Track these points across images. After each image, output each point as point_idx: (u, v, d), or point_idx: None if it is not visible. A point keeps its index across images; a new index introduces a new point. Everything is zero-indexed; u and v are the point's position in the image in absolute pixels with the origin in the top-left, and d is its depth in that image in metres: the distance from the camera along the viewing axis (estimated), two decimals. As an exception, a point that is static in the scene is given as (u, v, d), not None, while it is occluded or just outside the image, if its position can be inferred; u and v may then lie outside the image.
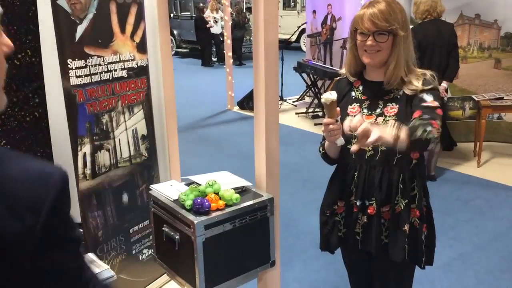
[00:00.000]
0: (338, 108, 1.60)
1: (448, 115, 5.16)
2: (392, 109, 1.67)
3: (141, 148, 2.44)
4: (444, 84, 4.34)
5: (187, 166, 5.12)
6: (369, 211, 1.70)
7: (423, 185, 1.74)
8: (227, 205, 1.88)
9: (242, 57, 12.22)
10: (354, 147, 1.52)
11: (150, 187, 2.08)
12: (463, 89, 5.41)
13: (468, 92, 5.38)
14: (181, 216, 1.84)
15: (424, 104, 1.63)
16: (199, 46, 12.86)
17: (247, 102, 7.22)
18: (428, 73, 1.71)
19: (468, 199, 4.03)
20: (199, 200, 1.81)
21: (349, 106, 1.75)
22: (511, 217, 3.69)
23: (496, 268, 2.96)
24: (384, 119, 1.67)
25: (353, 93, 1.77)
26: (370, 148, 1.68)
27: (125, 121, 2.33)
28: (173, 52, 13.41)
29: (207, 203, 1.81)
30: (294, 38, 10.01)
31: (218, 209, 1.84)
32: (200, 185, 1.95)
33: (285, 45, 8.24)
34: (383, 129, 1.49)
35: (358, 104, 1.74)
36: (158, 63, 2.60)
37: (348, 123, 1.53)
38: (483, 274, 2.90)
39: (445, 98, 4.43)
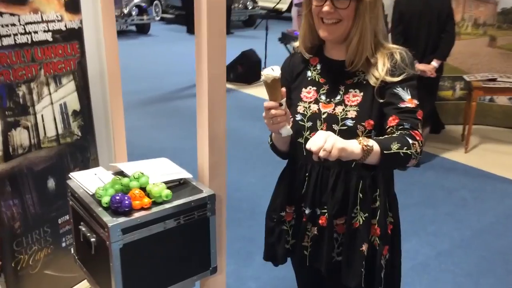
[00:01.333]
0: (283, 89, 1.26)
1: (438, 96, 4.83)
2: (355, 97, 1.33)
3: (72, 126, 2.08)
4: (434, 63, 3.97)
5: (152, 141, 4.83)
6: (320, 221, 1.37)
7: (390, 195, 1.41)
8: (155, 203, 1.55)
9: (230, 25, 11.75)
10: (314, 157, 1.19)
11: (69, 175, 1.74)
12: (455, 67, 5.07)
13: (460, 71, 5.04)
14: (96, 215, 1.50)
15: (401, 104, 1.29)
16: (185, 12, 12.34)
17: (228, 73, 6.83)
18: (399, 52, 1.35)
19: (452, 189, 3.74)
20: (117, 197, 1.47)
21: (304, 89, 1.40)
22: (496, 210, 3.41)
23: (475, 270, 2.68)
24: (344, 110, 1.34)
25: (309, 73, 1.42)
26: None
27: (50, 94, 1.96)
28: (158, 18, 12.89)
29: (127, 201, 1.47)
30: (284, 7, 9.54)
31: (142, 208, 1.51)
32: (127, 176, 1.60)
33: (276, 15, 7.80)
34: (346, 140, 1.17)
35: (314, 88, 1.39)
36: (99, 26, 2.21)
37: (308, 145, 1.17)
38: (461, 276, 2.62)
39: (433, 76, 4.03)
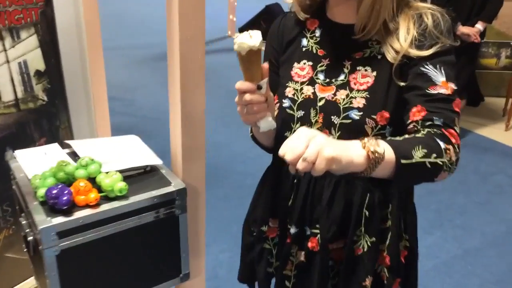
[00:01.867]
0: (264, 65, 0.88)
1: (479, 63, 4.31)
2: (365, 78, 0.95)
3: (35, 89, 1.76)
4: (479, 26, 3.48)
5: (159, 103, 4.48)
6: (309, 244, 1.02)
7: (407, 210, 1.04)
8: (108, 198, 1.23)
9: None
10: (291, 169, 0.78)
11: (14, 153, 1.42)
12: (501, 32, 4.51)
13: (506, 37, 4.48)
14: (30, 211, 1.20)
15: (430, 90, 0.90)
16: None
17: (250, 29, 6.35)
18: (431, 13, 0.95)
19: (487, 173, 3.31)
20: (54, 191, 1.15)
21: (296, 65, 1.02)
22: (537, 202, 2.99)
23: (509, 277, 2.30)
24: (348, 95, 0.95)
25: (304, 41, 1.03)
26: None
27: (5, 50, 1.63)
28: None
29: (65, 197, 1.14)
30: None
31: (88, 205, 1.19)
32: (78, 159, 1.27)
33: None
34: (342, 144, 0.80)
35: (310, 63, 1.01)
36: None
37: (281, 151, 0.79)
38: (491, 283, 2.25)
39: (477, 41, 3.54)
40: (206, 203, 1.51)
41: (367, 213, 0.97)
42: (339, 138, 0.94)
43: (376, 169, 0.76)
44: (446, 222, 2.62)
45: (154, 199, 1.26)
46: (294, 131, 0.98)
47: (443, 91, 0.89)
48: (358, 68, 0.95)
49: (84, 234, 1.17)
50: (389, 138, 0.86)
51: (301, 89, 0.98)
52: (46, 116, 1.83)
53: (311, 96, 0.99)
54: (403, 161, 0.79)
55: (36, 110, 1.79)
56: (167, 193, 1.28)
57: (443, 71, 0.90)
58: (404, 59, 0.91)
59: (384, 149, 0.79)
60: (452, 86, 0.90)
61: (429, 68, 0.89)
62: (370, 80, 0.94)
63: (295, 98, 0.99)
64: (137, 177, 1.34)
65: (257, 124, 0.93)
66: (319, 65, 0.98)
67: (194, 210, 1.42)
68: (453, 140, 0.86)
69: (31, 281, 1.27)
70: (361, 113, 0.93)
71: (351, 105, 0.94)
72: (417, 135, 0.85)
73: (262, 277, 1.15)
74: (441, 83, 0.89)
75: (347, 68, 0.96)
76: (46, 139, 1.83)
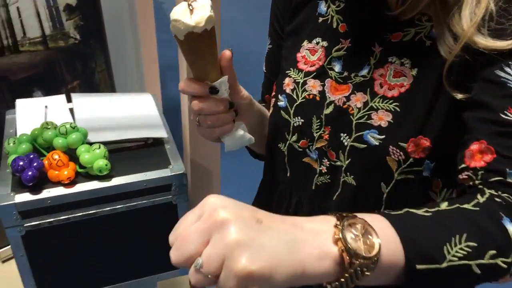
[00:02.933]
0: (226, 52, 0.56)
1: None
2: (398, 77, 0.58)
3: (65, 26, 1.57)
4: None
5: (246, 41, 4.13)
6: None
7: None
8: (90, 176, 1.02)
9: None
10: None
11: (16, 102, 1.26)
12: None
13: None
14: None
15: (509, 114, 0.50)
16: None
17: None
18: None
19: None
20: (21, 163, 0.96)
21: (305, 43, 0.67)
22: None
23: None
24: (366, 105, 0.60)
25: (322, 7, 0.66)
26: (323, 166, 0.65)
27: (29, -20, 1.44)
28: None
29: (30, 172, 0.95)
30: None
31: (60, 182, 0.99)
32: (68, 123, 1.06)
33: None
34: (288, 233, 0.41)
35: (325, 43, 0.64)
36: None
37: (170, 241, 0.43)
38: None
39: None
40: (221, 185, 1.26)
41: None
42: (349, 169, 0.61)
43: (363, 279, 0.41)
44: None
45: (144, 184, 1.03)
46: (290, 144, 0.66)
47: None
48: (390, 59, 0.58)
49: (52, 216, 0.99)
50: (405, 210, 0.46)
51: (304, 83, 0.65)
52: (79, 57, 1.65)
53: (317, 98, 0.64)
54: (419, 267, 0.42)
55: (67, 49, 1.61)
56: (162, 178, 1.04)
57: None
58: (467, 51, 0.52)
59: (380, 242, 0.41)
60: None
61: (510, 73, 0.50)
62: (405, 83, 0.57)
63: (294, 95, 0.66)
64: (134, 151, 1.11)
65: (220, 139, 0.63)
66: (336, 48, 0.62)
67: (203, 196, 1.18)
68: None
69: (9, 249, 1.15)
70: (383, 136, 0.58)
71: (368, 121, 0.59)
72: (466, 204, 0.47)
73: None
74: None
75: (375, 58, 0.60)
76: (79, 82, 1.66)
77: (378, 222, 0.43)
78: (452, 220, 0.45)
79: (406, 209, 0.46)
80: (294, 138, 0.66)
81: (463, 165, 0.53)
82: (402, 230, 0.43)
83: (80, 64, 1.65)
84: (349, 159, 0.61)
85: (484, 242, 0.44)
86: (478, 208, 0.46)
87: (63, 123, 1.02)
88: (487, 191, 0.49)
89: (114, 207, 1.03)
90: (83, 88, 1.67)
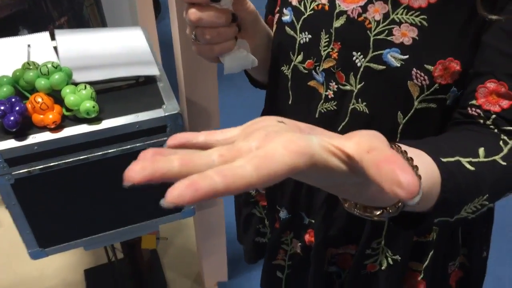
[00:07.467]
0: None
1: None
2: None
3: (47, -44, 1.45)
4: None
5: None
6: (306, 237, 0.67)
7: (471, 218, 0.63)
8: (78, 119, 0.95)
9: None
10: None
11: (-3, 41, 1.17)
12: None
13: None
14: (-17, 126, 0.97)
15: None
16: None
17: None
18: None
19: None
20: (2, 107, 0.89)
21: None
22: None
23: None
24: (387, 17, 0.51)
25: None
26: (329, 90, 0.58)
27: None
28: None
29: (12, 117, 0.89)
30: None
31: (46, 127, 0.93)
32: (50, 63, 0.98)
33: None
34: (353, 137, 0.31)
35: None
36: None
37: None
38: None
39: None
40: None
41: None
42: (360, 94, 0.54)
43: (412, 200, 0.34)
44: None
45: (136, 125, 0.97)
46: (294, 66, 0.58)
47: None
48: None
49: (41, 163, 0.94)
50: (456, 159, 0.41)
51: None
52: (64, -9, 1.53)
53: (326, 8, 0.54)
54: (436, 220, 0.41)
55: (51, -17, 1.50)
56: (155, 119, 0.97)
57: None
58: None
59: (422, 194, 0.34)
60: None
61: None
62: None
63: (302, 9, 0.57)
64: (125, 90, 1.04)
65: (220, 59, 0.55)
66: None
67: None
68: None
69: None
70: (406, 56, 0.49)
71: (389, 37, 0.50)
72: (496, 156, 0.44)
73: (249, 248, 0.84)
74: None
75: None
76: (67, 18, 1.56)
77: (426, 166, 0.38)
78: (484, 181, 0.43)
79: (457, 157, 0.41)
80: (300, 58, 0.58)
81: (473, 101, 0.48)
82: (445, 193, 0.39)
83: (66, 1, 1.54)
84: (362, 83, 0.54)
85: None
86: (505, 163, 0.45)
87: (44, 62, 0.94)
88: (509, 141, 0.46)
89: (106, 151, 0.97)
90: (72, 25, 1.57)
